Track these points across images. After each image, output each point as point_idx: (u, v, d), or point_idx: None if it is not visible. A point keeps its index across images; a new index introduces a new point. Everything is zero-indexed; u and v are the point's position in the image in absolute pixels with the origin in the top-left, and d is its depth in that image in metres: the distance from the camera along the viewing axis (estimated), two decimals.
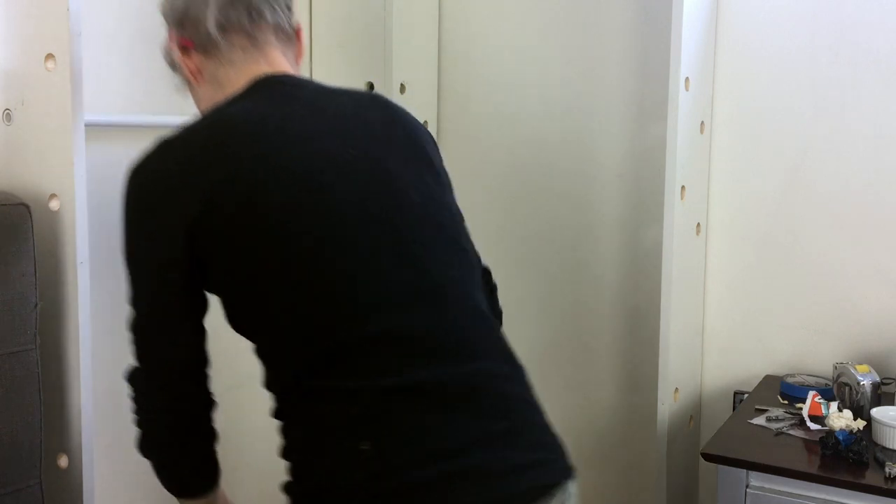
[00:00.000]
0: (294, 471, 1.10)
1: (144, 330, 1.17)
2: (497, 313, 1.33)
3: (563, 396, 2.29)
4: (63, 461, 1.50)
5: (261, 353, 1.15)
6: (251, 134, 1.13)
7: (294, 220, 1.09)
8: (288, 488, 1.11)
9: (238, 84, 1.24)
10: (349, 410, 1.04)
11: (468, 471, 1.03)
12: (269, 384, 1.14)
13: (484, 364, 1.12)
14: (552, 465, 1.11)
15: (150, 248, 1.15)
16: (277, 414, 1.13)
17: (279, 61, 1.27)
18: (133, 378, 1.20)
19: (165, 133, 1.17)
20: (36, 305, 1.42)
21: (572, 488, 1.12)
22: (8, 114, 1.51)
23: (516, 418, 1.11)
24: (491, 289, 1.34)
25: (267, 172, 1.10)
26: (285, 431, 1.12)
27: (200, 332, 1.17)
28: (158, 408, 1.19)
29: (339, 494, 1.04)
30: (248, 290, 1.11)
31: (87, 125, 1.47)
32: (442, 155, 1.32)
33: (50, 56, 1.44)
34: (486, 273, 1.33)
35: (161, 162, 1.15)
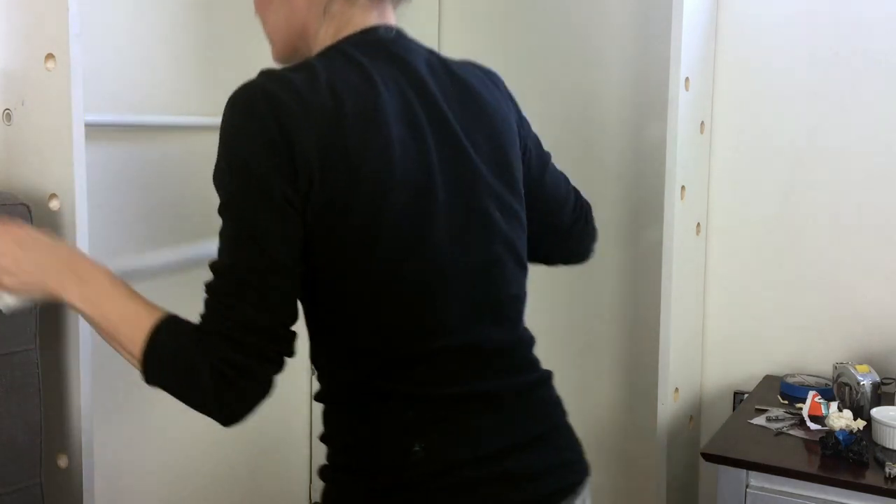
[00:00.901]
0: (339, 459, 1.10)
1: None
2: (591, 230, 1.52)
3: (563, 396, 2.28)
4: (63, 461, 1.50)
5: (325, 342, 1.10)
6: (375, 110, 1.04)
7: (406, 226, 1.04)
8: (330, 475, 1.11)
9: (349, 27, 1.11)
10: (406, 413, 1.06)
11: (507, 473, 1.07)
12: (327, 373, 1.11)
13: (530, 375, 1.18)
14: (577, 464, 1.18)
15: (260, 156, 0.99)
16: (328, 400, 1.12)
17: (389, 15, 1.16)
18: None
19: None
20: (36, 305, 1.42)
21: (589, 483, 1.19)
22: (8, 114, 1.51)
23: (549, 422, 1.17)
24: (586, 220, 1.47)
25: (393, 161, 1.03)
26: (335, 420, 1.11)
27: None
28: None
29: (385, 490, 1.06)
30: (336, 278, 1.04)
31: (87, 125, 1.47)
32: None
33: (50, 56, 1.44)
34: (586, 210, 1.48)
35: (285, 91, 1.00)
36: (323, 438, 1.13)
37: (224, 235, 1.01)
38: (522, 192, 1.21)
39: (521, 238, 1.19)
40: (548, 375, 1.22)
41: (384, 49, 1.11)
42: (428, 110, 1.09)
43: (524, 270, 1.20)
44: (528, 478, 1.09)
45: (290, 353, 1.03)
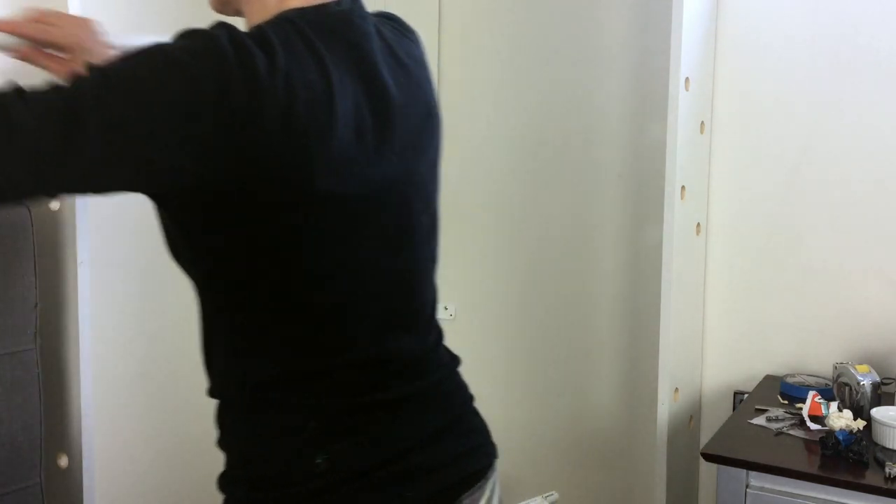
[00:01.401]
0: (238, 472, 1.07)
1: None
2: None
3: (563, 396, 2.29)
4: (63, 461, 1.50)
5: (222, 342, 1.06)
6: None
7: (330, 241, 1.00)
8: (229, 488, 1.08)
9: None
10: (308, 425, 1.03)
11: (412, 469, 1.06)
12: (223, 374, 1.07)
13: (436, 374, 1.15)
14: (480, 449, 1.16)
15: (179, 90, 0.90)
16: (224, 403, 1.08)
17: None
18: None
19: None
20: (36, 305, 1.42)
21: (496, 465, 1.18)
22: None
23: (452, 413, 1.15)
24: None
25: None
26: (232, 428, 1.08)
27: None
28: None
29: (287, 501, 1.04)
30: (250, 284, 1.00)
31: None
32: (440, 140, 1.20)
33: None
34: None
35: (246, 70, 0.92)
36: (220, 445, 1.09)
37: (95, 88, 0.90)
38: (439, 180, 1.19)
39: (437, 237, 1.17)
40: (453, 368, 1.19)
41: (341, 35, 1.03)
42: (377, 116, 1.03)
43: (436, 269, 1.18)
44: (429, 471, 1.07)
45: None
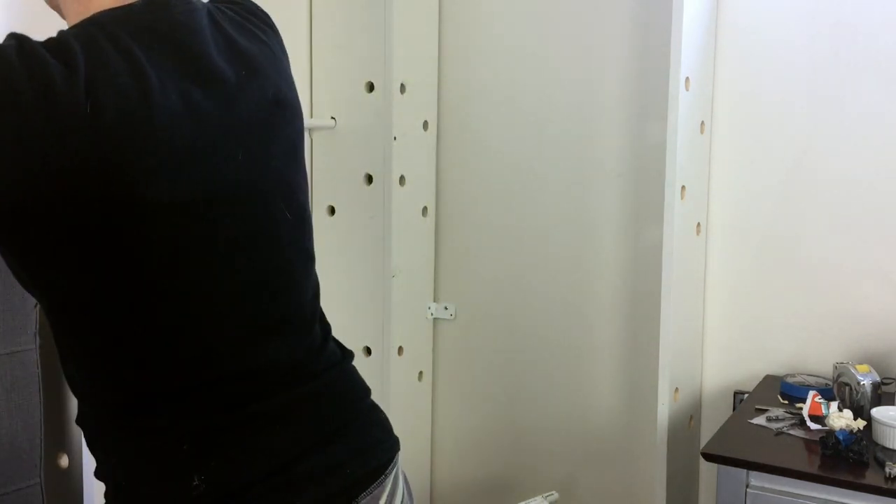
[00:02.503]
0: (112, 499, 1.03)
1: None
2: None
3: (562, 396, 2.29)
4: (63, 461, 1.50)
5: (85, 367, 0.99)
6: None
7: (169, 248, 0.92)
8: None
9: None
10: (181, 448, 0.97)
11: (298, 478, 1.00)
12: (88, 400, 1.01)
13: (323, 376, 1.08)
14: (382, 444, 1.10)
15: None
16: (92, 431, 1.03)
17: None
18: None
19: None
20: (36, 305, 1.42)
21: (398, 460, 1.12)
22: None
23: (346, 413, 1.08)
24: None
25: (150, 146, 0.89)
26: (103, 455, 1.02)
27: None
28: None
29: None
30: (90, 301, 0.93)
31: None
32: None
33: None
34: None
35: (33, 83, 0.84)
36: (96, 475, 1.04)
37: None
38: (306, 177, 1.10)
39: (307, 232, 1.09)
40: (344, 366, 1.12)
41: (162, 30, 0.95)
42: (213, 111, 0.95)
43: (313, 262, 1.10)
44: (318, 478, 1.01)
45: None
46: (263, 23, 1.10)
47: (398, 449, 1.13)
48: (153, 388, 0.97)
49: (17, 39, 0.88)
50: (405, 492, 1.13)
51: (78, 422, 1.04)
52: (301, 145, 1.09)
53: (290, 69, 1.11)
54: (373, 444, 1.09)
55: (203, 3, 1.02)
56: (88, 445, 1.04)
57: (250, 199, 0.99)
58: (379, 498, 1.05)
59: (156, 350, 0.95)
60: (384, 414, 1.15)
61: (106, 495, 1.03)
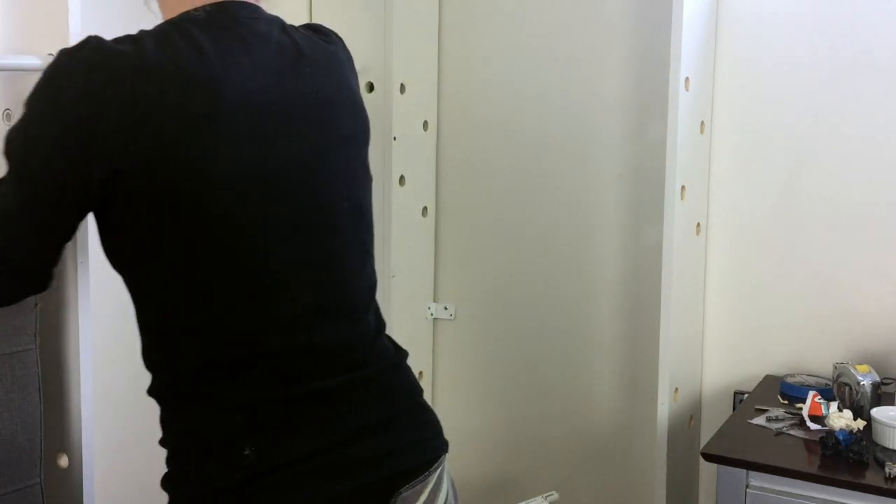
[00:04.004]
0: (171, 466, 1.10)
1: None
2: None
3: (562, 396, 2.29)
4: (63, 461, 1.49)
5: (154, 342, 1.09)
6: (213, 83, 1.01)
7: (234, 224, 1.02)
8: (167, 485, 1.11)
9: None
10: (234, 418, 1.04)
11: (343, 461, 1.05)
12: (158, 372, 1.10)
13: (375, 365, 1.13)
14: (429, 442, 1.15)
15: (51, 155, 1.00)
16: (160, 400, 1.11)
17: None
18: None
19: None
20: (36, 305, 1.42)
21: (444, 461, 1.16)
22: (8, 114, 1.51)
23: (398, 406, 1.14)
24: None
25: (218, 140, 1.00)
26: (166, 424, 1.11)
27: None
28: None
29: (215, 494, 1.05)
30: (161, 276, 1.04)
31: None
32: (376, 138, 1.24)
33: (50, 56, 1.43)
34: None
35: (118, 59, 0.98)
36: (161, 443, 1.12)
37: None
38: (369, 178, 1.19)
39: (366, 221, 1.17)
40: (398, 362, 1.18)
41: (233, 30, 1.05)
42: (274, 103, 1.05)
43: (370, 258, 1.18)
44: (361, 464, 1.06)
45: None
46: (331, 34, 1.23)
47: (446, 451, 1.17)
48: (210, 358, 1.04)
49: (90, 39, 1.01)
50: (450, 494, 1.16)
51: (149, 392, 1.11)
52: (363, 143, 1.17)
53: (355, 76, 1.21)
54: (421, 440, 1.14)
55: (274, 15, 1.13)
56: (159, 416, 1.11)
57: (309, 185, 1.06)
58: (421, 493, 1.10)
59: (213, 322, 1.03)
60: (436, 416, 1.19)
61: (167, 460, 1.11)
